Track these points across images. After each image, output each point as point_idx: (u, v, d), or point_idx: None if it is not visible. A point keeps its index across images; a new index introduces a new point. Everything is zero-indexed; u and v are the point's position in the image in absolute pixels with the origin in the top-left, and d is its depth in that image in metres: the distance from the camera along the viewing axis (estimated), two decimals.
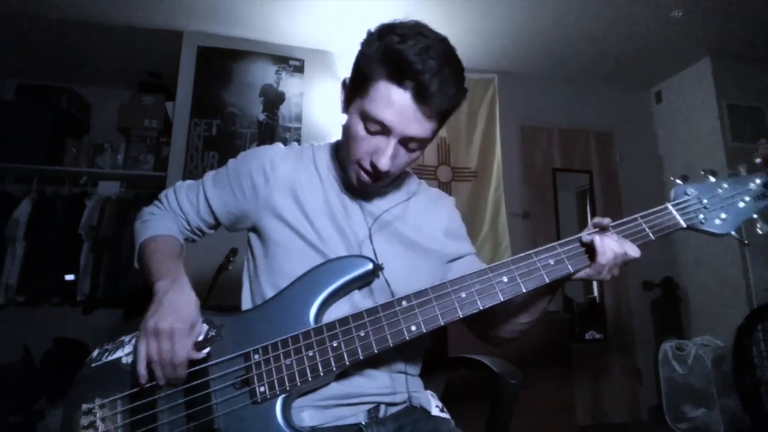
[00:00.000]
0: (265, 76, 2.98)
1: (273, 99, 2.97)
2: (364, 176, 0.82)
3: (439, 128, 0.81)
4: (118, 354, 0.77)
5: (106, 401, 0.74)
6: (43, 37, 2.90)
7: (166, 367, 0.71)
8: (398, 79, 0.73)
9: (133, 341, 0.76)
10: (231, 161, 0.94)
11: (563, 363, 2.52)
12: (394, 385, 0.84)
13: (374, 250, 0.85)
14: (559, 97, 3.47)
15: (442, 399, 0.90)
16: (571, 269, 0.76)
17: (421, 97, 0.73)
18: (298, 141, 2.95)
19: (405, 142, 0.78)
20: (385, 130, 0.77)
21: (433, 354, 1.09)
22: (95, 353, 0.79)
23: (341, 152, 0.89)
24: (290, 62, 3.02)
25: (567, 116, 3.45)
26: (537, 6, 2.65)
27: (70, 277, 2.86)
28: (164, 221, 0.92)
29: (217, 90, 2.90)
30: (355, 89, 0.79)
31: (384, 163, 0.77)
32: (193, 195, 0.94)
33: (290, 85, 3.00)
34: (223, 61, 2.93)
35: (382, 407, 0.83)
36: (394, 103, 0.74)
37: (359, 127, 0.78)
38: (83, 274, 2.86)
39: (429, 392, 0.89)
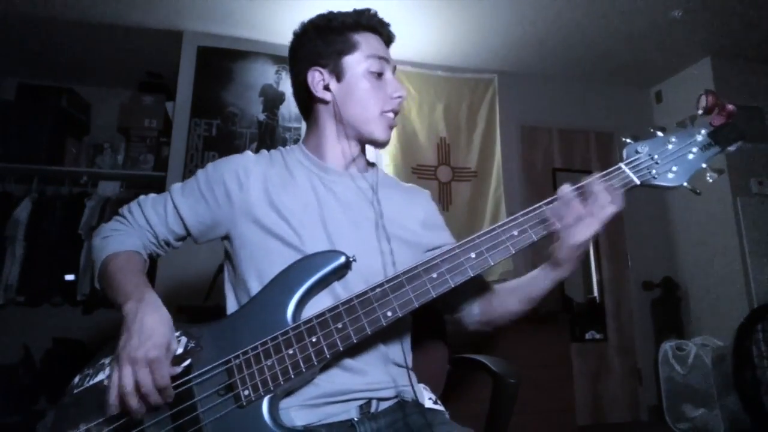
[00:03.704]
0: (265, 76, 2.98)
1: (273, 99, 2.97)
2: (391, 120, 0.94)
3: None
4: (100, 377, 0.76)
5: (92, 425, 0.73)
6: (43, 37, 2.90)
7: (150, 395, 0.70)
8: (372, 29, 0.94)
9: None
10: (200, 171, 0.93)
11: (563, 363, 2.51)
12: (385, 380, 0.84)
13: (352, 242, 0.85)
14: (559, 97, 3.47)
15: (441, 398, 0.90)
16: (534, 238, 0.77)
17: (383, 37, 0.96)
18: (298, 141, 2.95)
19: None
20: (385, 65, 0.92)
21: (435, 350, 1.09)
22: (76, 379, 0.78)
23: (356, 123, 0.93)
24: None
25: (567, 116, 3.45)
26: (537, 6, 2.65)
27: (70, 277, 2.86)
28: (126, 237, 0.89)
29: (217, 90, 2.90)
30: (341, 53, 0.92)
31: (403, 90, 0.93)
32: (161, 206, 0.92)
33: (290, 85, 2.99)
34: (223, 61, 2.93)
35: (374, 402, 0.83)
36: (379, 43, 0.94)
37: (367, 77, 0.91)
38: (83, 274, 2.86)
39: (422, 385, 0.89)
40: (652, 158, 0.81)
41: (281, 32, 2.91)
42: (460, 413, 0.92)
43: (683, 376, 2.80)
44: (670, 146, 0.82)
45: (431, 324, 1.09)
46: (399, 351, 0.89)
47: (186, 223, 0.90)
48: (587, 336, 3.23)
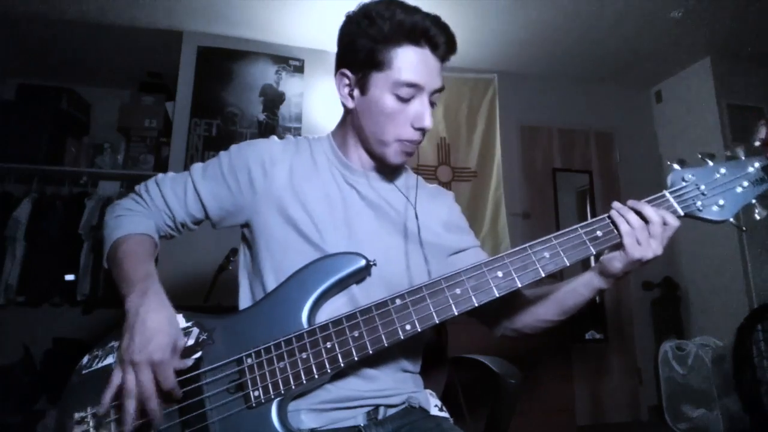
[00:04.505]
0: (265, 76, 2.98)
1: (273, 99, 2.97)
2: (409, 147, 0.85)
3: None
4: (109, 360, 0.75)
5: (98, 409, 0.72)
6: (43, 37, 2.89)
7: (150, 399, 0.67)
8: (416, 42, 0.79)
9: None
10: (223, 154, 0.89)
11: (563, 363, 2.52)
12: (393, 386, 0.84)
13: (374, 243, 0.84)
14: (559, 97, 3.47)
15: (441, 399, 0.90)
16: (567, 262, 0.75)
17: (435, 50, 0.81)
18: None
19: (431, 97, 0.84)
20: (417, 91, 0.81)
21: (433, 354, 1.09)
22: (85, 360, 0.77)
23: (371, 140, 0.86)
24: (290, 62, 3.02)
25: (567, 116, 3.45)
26: (537, 6, 2.65)
27: (70, 277, 2.86)
28: (140, 218, 0.85)
29: (217, 90, 2.90)
30: (370, 67, 0.81)
31: (429, 122, 0.82)
32: (180, 188, 0.88)
33: (290, 85, 3.00)
34: (223, 61, 2.93)
35: (381, 409, 0.82)
36: (418, 62, 0.80)
37: (391, 100, 0.81)
38: (83, 274, 2.86)
39: (428, 391, 0.88)
40: (699, 188, 0.78)
41: (281, 32, 2.91)
42: (460, 414, 0.92)
43: (683, 376, 2.80)
44: (718, 176, 0.78)
45: None
46: (409, 358, 0.88)
47: (206, 207, 0.87)
48: (587, 336, 3.23)
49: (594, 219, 0.78)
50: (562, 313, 0.86)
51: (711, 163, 0.80)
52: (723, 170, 0.79)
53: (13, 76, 3.31)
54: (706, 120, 3.18)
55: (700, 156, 0.81)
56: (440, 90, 0.84)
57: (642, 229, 0.74)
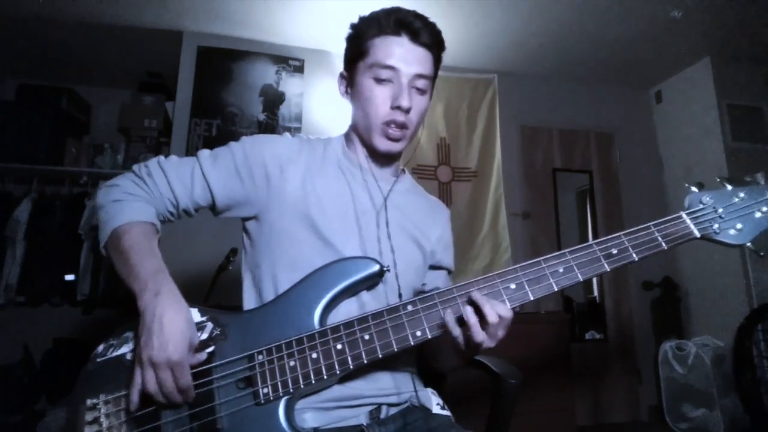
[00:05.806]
0: (265, 76, 2.98)
1: (273, 99, 2.97)
2: (394, 131, 0.88)
3: (436, 71, 0.93)
4: (123, 350, 0.76)
5: (111, 397, 0.73)
6: (43, 37, 2.89)
7: (171, 396, 0.69)
8: (393, 31, 0.86)
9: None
10: (235, 145, 0.88)
11: (563, 363, 2.52)
12: (395, 386, 0.85)
13: (379, 242, 0.87)
14: (559, 97, 3.47)
15: (441, 399, 0.90)
16: (581, 278, 0.74)
17: (415, 37, 0.86)
18: None
19: (413, 82, 0.87)
20: (394, 73, 0.86)
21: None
22: (101, 348, 0.78)
23: (361, 129, 0.92)
24: (290, 62, 3.02)
25: (567, 116, 3.45)
26: (537, 6, 2.65)
27: (70, 277, 2.86)
28: (142, 204, 0.82)
29: (217, 90, 2.90)
30: (355, 60, 0.90)
31: (405, 101, 0.85)
32: (187, 175, 0.85)
33: (290, 85, 3.00)
34: (223, 61, 2.93)
35: (384, 408, 0.83)
36: (395, 48, 0.86)
37: (370, 84, 0.87)
38: (83, 274, 2.86)
39: (429, 390, 0.89)
40: (716, 211, 0.78)
41: (281, 32, 2.91)
42: (460, 414, 0.92)
43: (683, 376, 2.80)
44: (737, 200, 0.78)
45: None
46: (410, 357, 0.89)
47: (215, 196, 0.86)
48: (587, 336, 3.23)
49: (609, 236, 0.77)
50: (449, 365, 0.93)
51: (730, 187, 0.80)
52: (742, 194, 0.79)
53: (13, 76, 3.31)
54: (706, 120, 3.18)
55: (718, 179, 0.81)
56: (424, 77, 0.88)
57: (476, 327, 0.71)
